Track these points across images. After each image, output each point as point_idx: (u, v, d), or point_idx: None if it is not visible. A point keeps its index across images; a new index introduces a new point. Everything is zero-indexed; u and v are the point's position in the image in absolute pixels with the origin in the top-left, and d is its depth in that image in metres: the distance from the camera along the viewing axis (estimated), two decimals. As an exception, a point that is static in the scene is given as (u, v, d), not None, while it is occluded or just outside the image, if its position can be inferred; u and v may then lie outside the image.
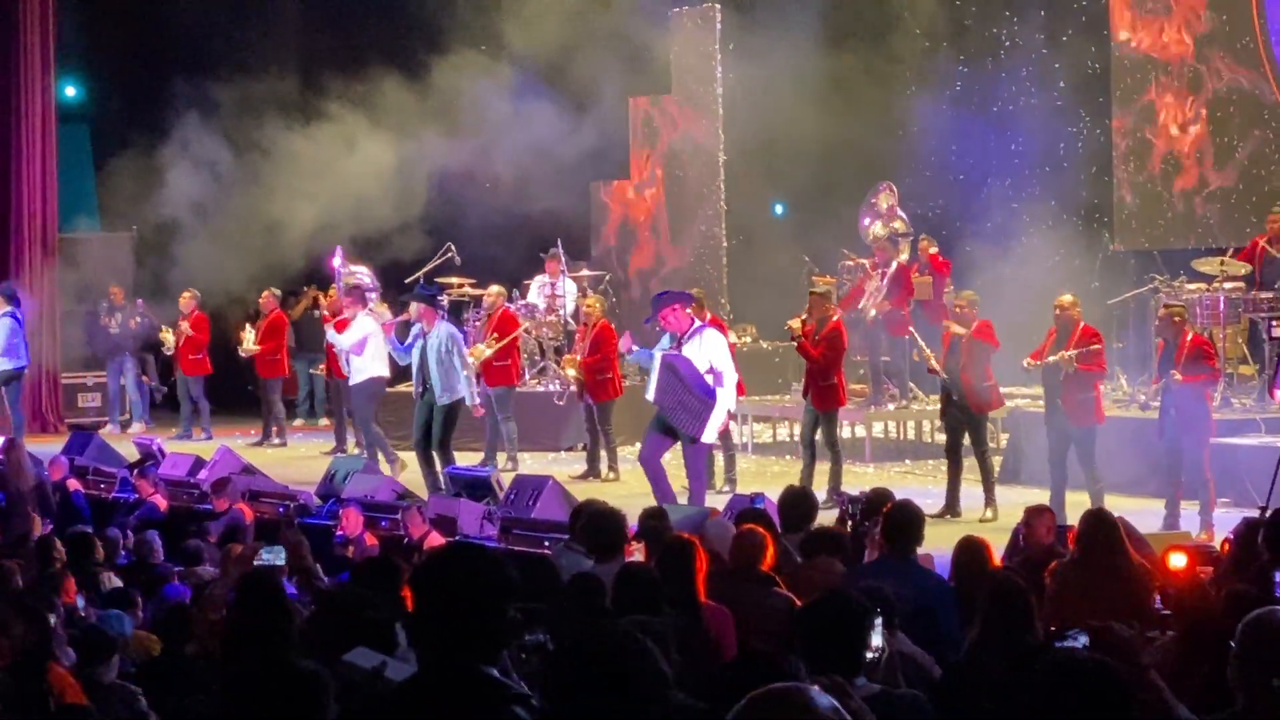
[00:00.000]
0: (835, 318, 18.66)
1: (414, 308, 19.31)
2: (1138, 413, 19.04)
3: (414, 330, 19.26)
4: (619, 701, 4.53)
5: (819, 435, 18.73)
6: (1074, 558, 10.68)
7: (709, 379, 16.54)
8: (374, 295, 23.48)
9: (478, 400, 19.61)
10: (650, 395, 16.95)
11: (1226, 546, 11.02)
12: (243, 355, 24.80)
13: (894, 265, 21.85)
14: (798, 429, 22.52)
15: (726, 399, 16.73)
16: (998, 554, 12.39)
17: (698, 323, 16.95)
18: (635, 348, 17.29)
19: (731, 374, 16.83)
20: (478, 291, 23.59)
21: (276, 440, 24.67)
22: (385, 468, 20.39)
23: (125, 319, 26.64)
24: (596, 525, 10.96)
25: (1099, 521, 10.82)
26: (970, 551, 10.54)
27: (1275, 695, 5.79)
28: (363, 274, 24.02)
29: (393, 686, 5.22)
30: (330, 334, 22.20)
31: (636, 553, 10.80)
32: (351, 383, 21.96)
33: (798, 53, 24.66)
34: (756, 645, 7.58)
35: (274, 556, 11.59)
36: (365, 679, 5.75)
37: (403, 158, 25.47)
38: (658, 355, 16.66)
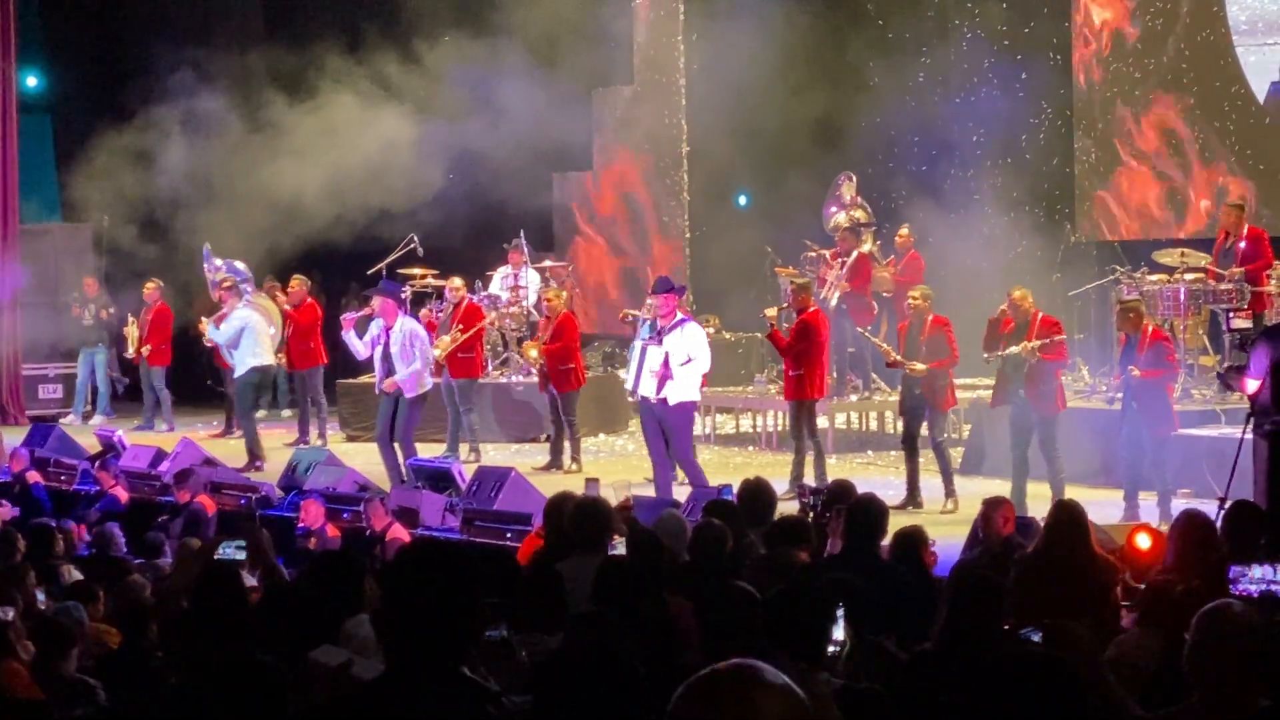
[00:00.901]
0: (810, 309, 18.69)
1: (376, 302, 19.29)
2: (1099, 404, 19.10)
3: (374, 325, 19.25)
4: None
5: (788, 425, 18.90)
6: (1038, 548, 10.69)
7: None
8: (248, 287, 23.39)
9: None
10: (631, 386, 17.54)
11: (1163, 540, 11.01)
12: (207, 344, 24.69)
13: (854, 254, 21.89)
14: (760, 420, 22.62)
15: (694, 373, 17.39)
16: (958, 545, 12.50)
17: (679, 315, 17.49)
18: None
19: (706, 363, 17.55)
20: (440, 283, 23.55)
21: (238, 432, 24.59)
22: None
23: (97, 310, 26.58)
24: (583, 517, 10.90)
25: (1066, 513, 10.82)
26: (906, 542, 10.62)
27: (1229, 689, 5.83)
28: (236, 267, 24.01)
29: (359, 684, 5.19)
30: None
31: (619, 545, 10.73)
32: (235, 375, 22.21)
33: (761, 44, 24.67)
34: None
35: (235, 550, 11.58)
36: (331, 676, 5.74)
37: (361, 147, 25.40)
38: (638, 346, 17.22)
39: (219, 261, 24.18)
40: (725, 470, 19.61)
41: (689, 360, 17.21)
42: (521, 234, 24.18)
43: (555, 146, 26.26)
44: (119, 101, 27.11)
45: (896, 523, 11.44)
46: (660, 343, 17.26)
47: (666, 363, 17.14)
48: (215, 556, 12.37)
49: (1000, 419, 17.74)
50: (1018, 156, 25.25)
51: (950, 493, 17.37)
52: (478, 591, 4.83)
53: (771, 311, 18.90)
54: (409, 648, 4.77)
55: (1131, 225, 24.00)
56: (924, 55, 26.15)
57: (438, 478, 17.50)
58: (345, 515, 16.00)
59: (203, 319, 23.78)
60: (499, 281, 23.99)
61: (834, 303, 21.61)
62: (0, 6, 27.07)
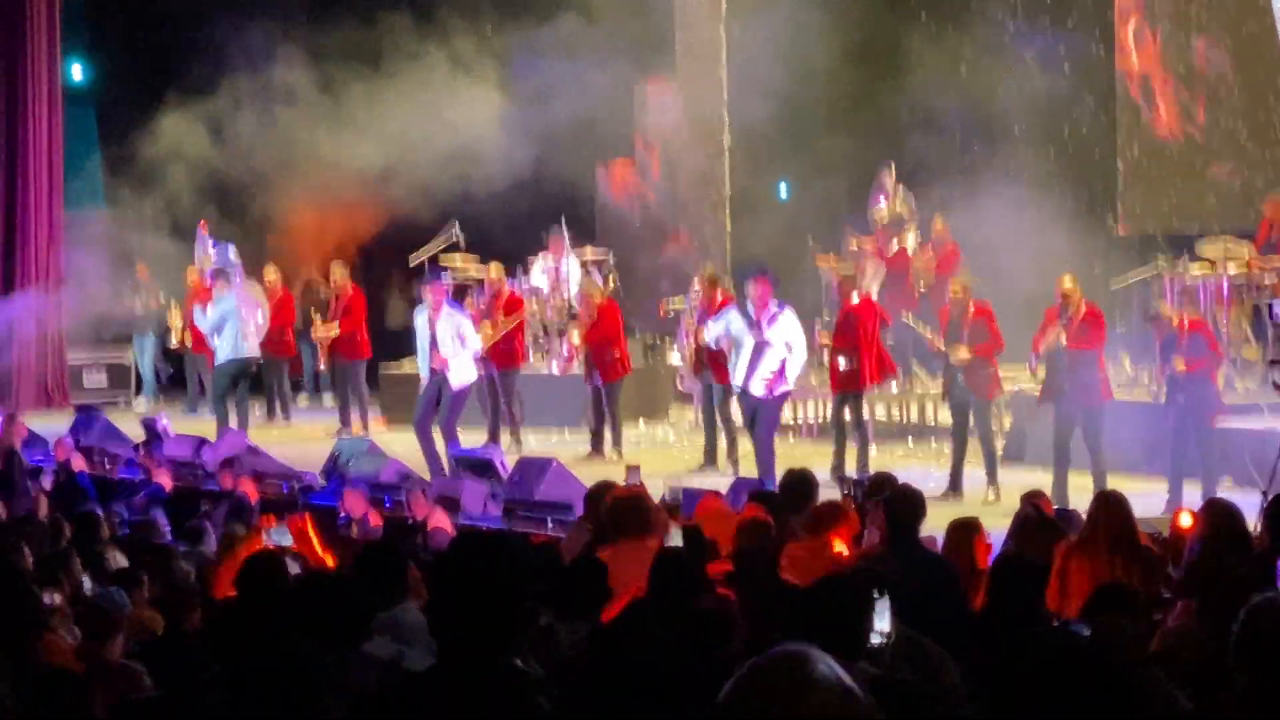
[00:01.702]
0: (855, 300, 18.75)
1: (424, 291, 19.39)
2: (1141, 396, 19.04)
3: (419, 312, 19.33)
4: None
5: (831, 415, 19.02)
6: (1082, 538, 10.63)
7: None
8: (238, 275, 23.38)
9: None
10: (739, 380, 17.57)
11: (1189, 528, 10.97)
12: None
13: (894, 247, 21.91)
14: (801, 410, 22.59)
15: (795, 364, 17.67)
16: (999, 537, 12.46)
17: (773, 306, 17.53)
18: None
19: (803, 351, 17.82)
20: (482, 272, 23.60)
21: (281, 420, 24.67)
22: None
23: (148, 298, 26.71)
24: (622, 507, 10.90)
25: (1109, 503, 10.74)
26: (962, 532, 10.57)
27: (1275, 681, 5.83)
28: (228, 254, 24.08)
29: (411, 676, 5.22)
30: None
31: (674, 533, 10.70)
32: (215, 361, 22.46)
33: (802, 34, 24.62)
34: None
35: (280, 537, 11.64)
36: (383, 669, 5.77)
37: (406, 135, 25.45)
38: (749, 342, 17.30)
39: (212, 245, 24.27)
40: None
41: (790, 350, 17.41)
42: (562, 223, 24.21)
43: (597, 136, 26.26)
44: (162, 91, 27.14)
45: (936, 513, 11.42)
46: (760, 333, 17.36)
47: (764, 355, 17.30)
48: (261, 543, 12.46)
49: (1042, 409, 17.71)
50: (1060, 145, 25.14)
51: (993, 483, 17.35)
52: (527, 584, 4.86)
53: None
54: (459, 640, 4.81)
55: (1174, 216, 23.90)
56: (966, 44, 26.04)
57: (479, 466, 17.54)
58: (387, 504, 16.06)
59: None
60: (540, 270, 24.02)
61: (874, 294, 21.61)
62: (46, 1, 27.23)
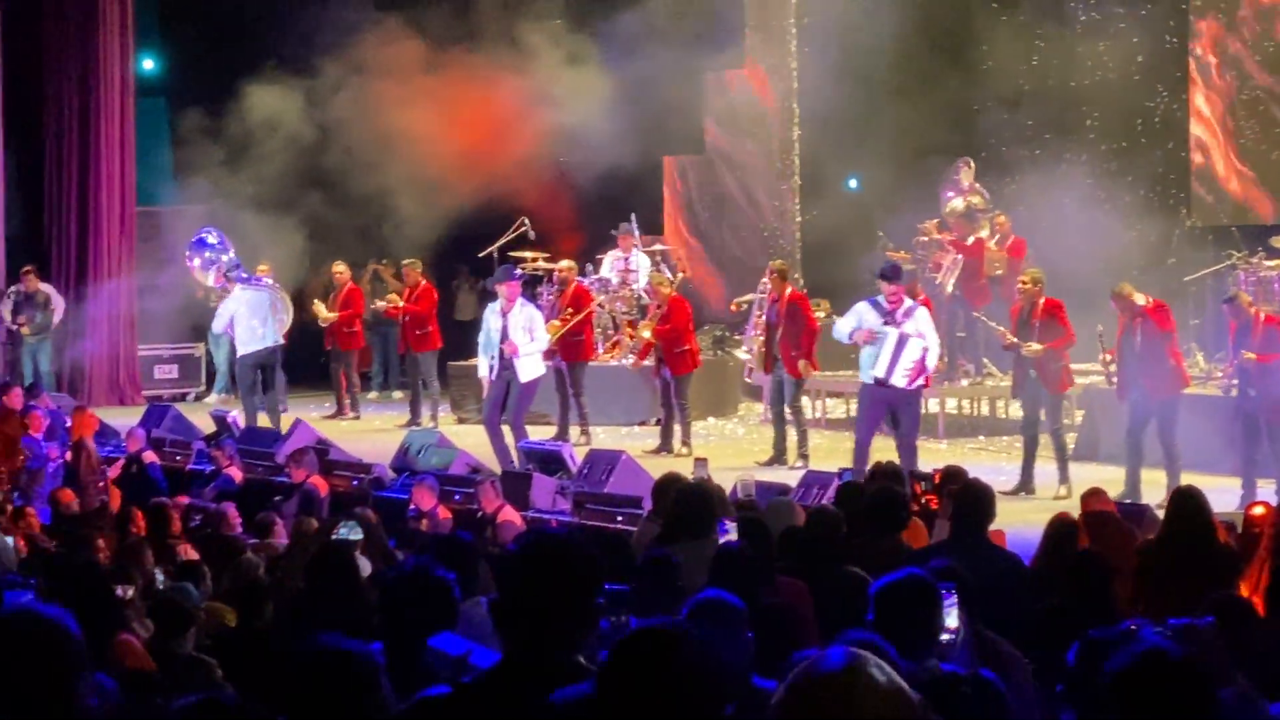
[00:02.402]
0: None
1: (500, 286, 19.41)
2: (1215, 390, 18.91)
3: (491, 308, 19.37)
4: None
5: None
6: (1159, 538, 10.50)
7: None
8: (240, 273, 23.35)
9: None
10: (880, 373, 17.10)
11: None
12: (322, 324, 24.84)
13: (971, 240, 21.84)
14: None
15: (932, 358, 17.52)
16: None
17: (908, 301, 17.33)
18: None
19: (938, 346, 17.91)
20: (550, 266, 23.64)
21: (350, 413, 24.74)
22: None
23: (221, 292, 26.82)
24: (686, 501, 10.86)
25: (1186, 500, 10.58)
26: (1061, 530, 10.44)
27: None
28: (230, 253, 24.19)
29: (478, 672, 5.21)
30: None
31: (732, 530, 10.66)
32: (236, 355, 22.85)
33: (873, 25, 24.55)
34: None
35: (350, 531, 11.66)
36: (451, 666, 5.75)
37: (476, 130, 25.51)
38: (893, 334, 16.94)
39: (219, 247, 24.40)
40: (836, 455, 19.56)
41: (927, 346, 17.20)
42: (632, 218, 24.20)
43: (666, 129, 26.25)
44: (234, 83, 27.23)
45: (1006, 509, 11.36)
46: (899, 326, 17.11)
47: (905, 347, 17.02)
48: (331, 538, 12.49)
49: (1115, 405, 17.62)
50: (1133, 139, 25.02)
51: (1064, 479, 17.26)
52: (595, 584, 4.85)
53: None
54: (526, 638, 4.81)
55: (1248, 209, 23.73)
56: (1039, 37, 25.94)
57: (549, 460, 17.55)
58: (457, 497, 16.06)
59: (315, 300, 24.11)
60: (610, 265, 24.02)
61: (950, 288, 21.59)
62: (119, -8, 27.38)
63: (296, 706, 5.19)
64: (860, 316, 17.28)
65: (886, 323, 17.00)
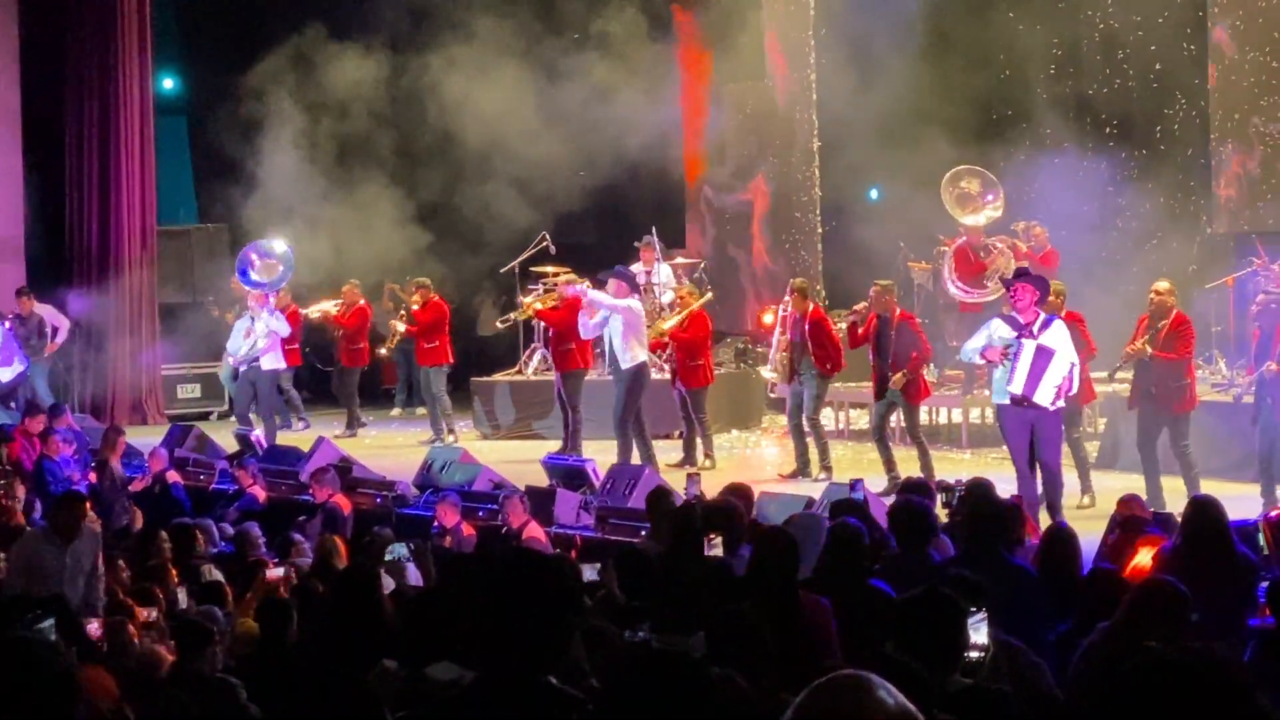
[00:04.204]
0: (899, 312, 18.69)
1: (610, 284, 19.58)
2: (1228, 398, 18.86)
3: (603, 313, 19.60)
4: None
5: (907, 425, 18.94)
6: (1178, 545, 10.45)
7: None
8: (267, 294, 23.66)
9: None
10: (1018, 389, 15.47)
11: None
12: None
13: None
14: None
15: (1065, 363, 15.53)
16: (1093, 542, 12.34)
17: (1044, 315, 15.66)
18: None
19: (1077, 363, 15.92)
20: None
21: (347, 430, 24.70)
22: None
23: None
24: (677, 521, 10.84)
25: (1202, 509, 10.50)
26: (1057, 542, 10.43)
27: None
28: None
29: (452, 695, 5.21)
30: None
31: (716, 546, 10.66)
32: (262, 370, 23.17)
33: (891, 36, 24.56)
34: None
35: (404, 551, 11.80)
36: (441, 692, 5.75)
37: (495, 146, 25.56)
38: (1030, 345, 15.37)
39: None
40: (859, 466, 19.56)
41: (1073, 360, 15.63)
42: (654, 231, 24.19)
43: (685, 141, 26.27)
44: (253, 102, 27.29)
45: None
46: (1035, 338, 15.47)
47: (1050, 361, 15.40)
48: (385, 558, 12.55)
49: (1133, 414, 17.59)
50: (1153, 147, 24.99)
51: (1087, 488, 17.22)
52: (569, 604, 4.82)
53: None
54: (500, 656, 4.79)
55: (1269, 216, 23.64)
56: (1055, 46, 25.93)
57: (572, 475, 17.55)
58: (480, 514, 16.06)
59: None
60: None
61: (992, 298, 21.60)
62: (138, 10, 27.41)
63: None
64: (992, 332, 15.82)
65: (1021, 336, 15.48)
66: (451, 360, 24.01)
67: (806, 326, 19.64)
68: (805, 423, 19.72)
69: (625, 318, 19.76)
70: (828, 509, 12.64)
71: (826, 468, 19.47)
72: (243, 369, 23.26)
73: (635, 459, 19.34)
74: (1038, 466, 15.63)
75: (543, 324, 23.32)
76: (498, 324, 24.24)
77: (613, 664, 4.56)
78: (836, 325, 20.81)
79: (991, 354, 15.69)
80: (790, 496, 15.34)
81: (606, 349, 20.10)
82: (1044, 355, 15.33)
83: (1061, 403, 15.62)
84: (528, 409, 23.93)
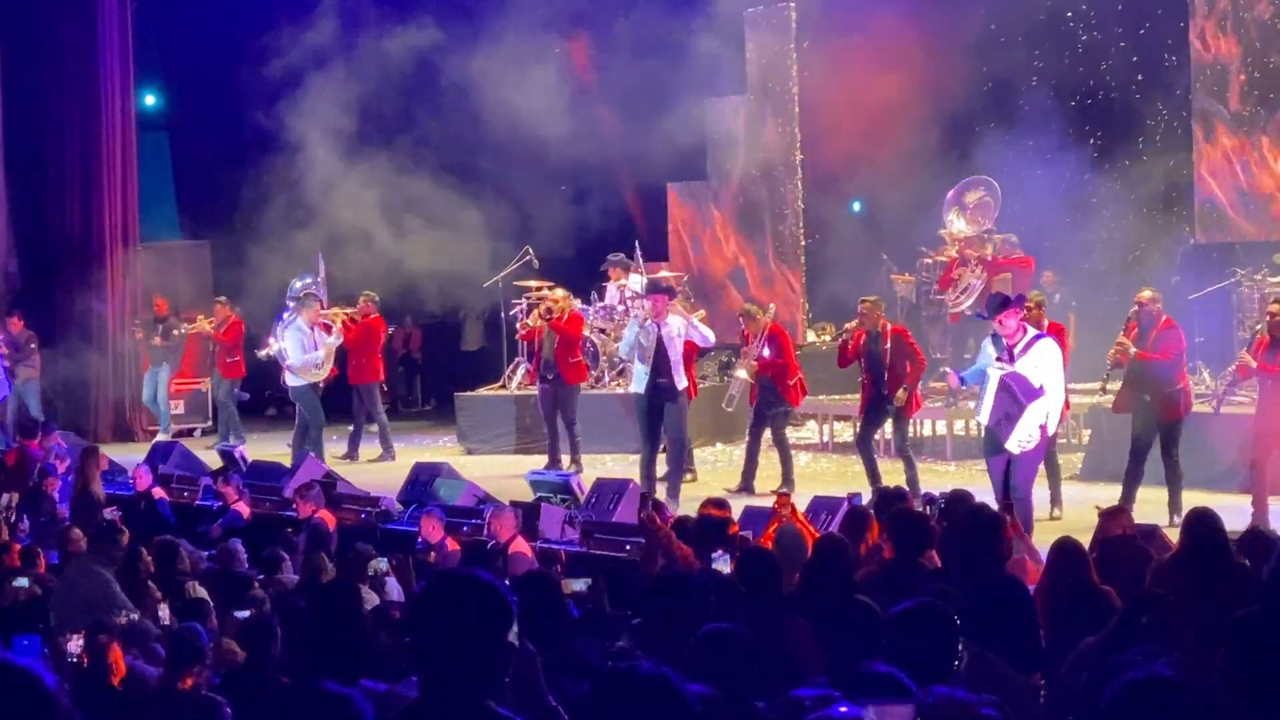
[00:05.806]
0: (890, 326, 18.63)
1: (649, 299, 19.20)
2: (1224, 408, 18.84)
3: (630, 326, 19.23)
4: None
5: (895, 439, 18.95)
6: (1176, 557, 10.35)
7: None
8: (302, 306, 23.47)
9: None
10: (985, 419, 14.89)
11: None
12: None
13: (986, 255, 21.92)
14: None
15: (1042, 409, 14.65)
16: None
17: (1031, 332, 14.85)
18: (961, 376, 15.68)
19: (1059, 392, 14.94)
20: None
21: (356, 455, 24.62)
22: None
23: (167, 330, 26.73)
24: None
25: (1203, 520, 10.26)
26: (1066, 554, 10.30)
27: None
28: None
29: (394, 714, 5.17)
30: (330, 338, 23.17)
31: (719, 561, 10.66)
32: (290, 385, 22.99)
33: (874, 50, 24.58)
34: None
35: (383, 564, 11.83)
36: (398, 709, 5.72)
37: (475, 156, 25.59)
38: (995, 375, 14.56)
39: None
40: (844, 479, 19.53)
41: (1039, 391, 14.55)
42: (635, 246, 24.18)
43: (669, 157, 26.25)
44: (235, 118, 27.28)
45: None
46: (1011, 364, 14.58)
47: (1015, 394, 14.46)
48: (369, 574, 12.56)
49: (1120, 424, 17.57)
50: (1135, 158, 25.02)
51: (1056, 500, 17.24)
52: (505, 623, 4.76)
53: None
54: (437, 679, 4.73)
55: (1252, 226, 23.66)
56: (1038, 59, 25.95)
57: (556, 490, 17.51)
58: (464, 529, 16.00)
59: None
60: (614, 292, 24.03)
61: (966, 309, 21.56)
62: (119, 25, 27.38)
63: None
64: (985, 353, 15.10)
65: (1000, 359, 14.63)
66: (382, 378, 23.98)
67: (769, 341, 19.55)
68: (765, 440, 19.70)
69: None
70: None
71: (789, 481, 19.32)
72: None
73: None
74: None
75: (525, 341, 23.21)
76: (517, 334, 23.83)
77: (585, 690, 4.51)
78: (822, 336, 20.79)
79: (951, 379, 15.99)
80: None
81: (636, 367, 19.40)
82: (1007, 391, 14.52)
83: (1039, 438, 14.73)
84: (511, 423, 23.88)
